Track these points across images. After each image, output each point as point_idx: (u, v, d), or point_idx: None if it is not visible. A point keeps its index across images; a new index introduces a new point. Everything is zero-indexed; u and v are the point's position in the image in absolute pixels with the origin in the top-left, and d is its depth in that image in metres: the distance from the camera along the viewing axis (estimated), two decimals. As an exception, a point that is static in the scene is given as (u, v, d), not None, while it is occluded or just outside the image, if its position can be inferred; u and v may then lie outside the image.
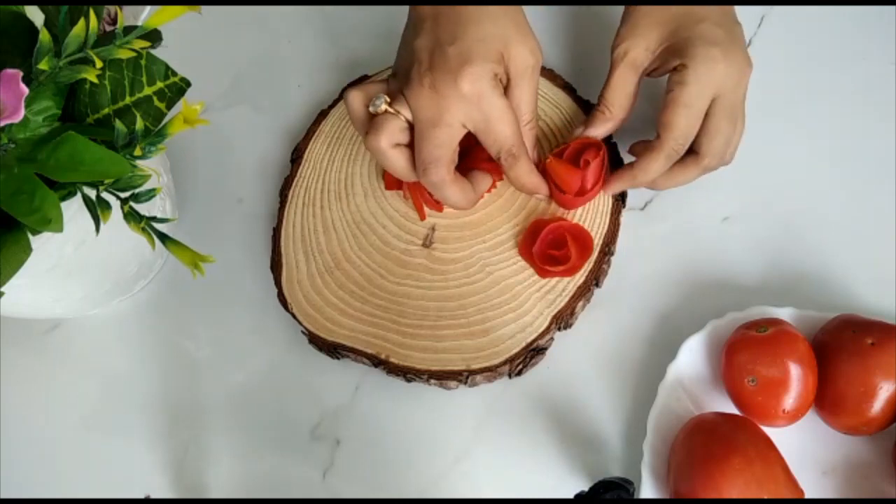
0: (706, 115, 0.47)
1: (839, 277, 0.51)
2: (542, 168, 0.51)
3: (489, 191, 0.52)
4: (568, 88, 0.57)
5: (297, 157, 0.57)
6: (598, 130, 0.50)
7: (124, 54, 0.38)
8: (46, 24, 0.40)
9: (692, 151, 0.48)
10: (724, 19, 0.47)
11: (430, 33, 0.45)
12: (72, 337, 0.55)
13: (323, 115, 0.58)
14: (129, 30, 0.39)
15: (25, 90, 0.35)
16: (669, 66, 0.48)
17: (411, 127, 0.45)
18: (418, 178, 0.46)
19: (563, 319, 0.49)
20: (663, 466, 0.45)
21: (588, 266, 0.50)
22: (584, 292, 0.49)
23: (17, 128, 0.38)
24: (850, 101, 0.56)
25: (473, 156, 0.51)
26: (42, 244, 0.40)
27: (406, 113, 0.44)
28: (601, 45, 0.52)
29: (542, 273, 0.49)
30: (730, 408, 0.45)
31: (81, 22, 0.37)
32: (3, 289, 0.36)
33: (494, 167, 0.51)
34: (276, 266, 0.53)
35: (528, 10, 0.57)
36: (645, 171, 0.48)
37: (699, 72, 0.45)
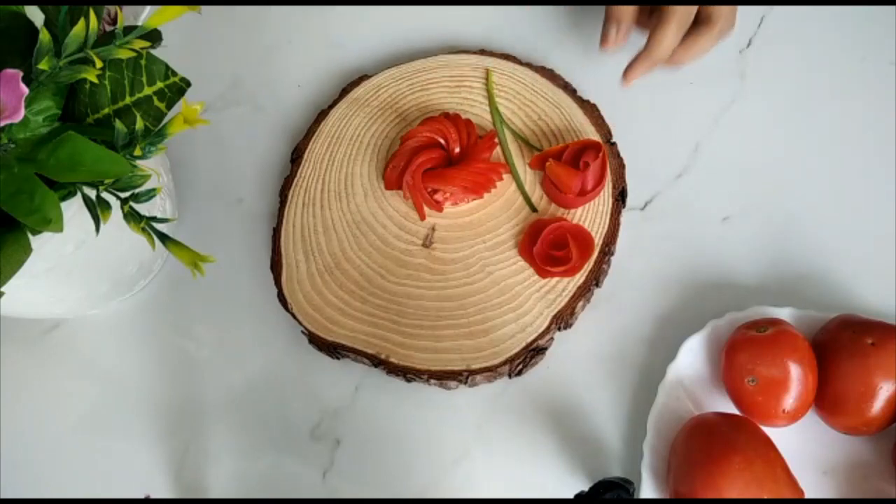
0: None
1: (839, 277, 0.51)
2: (542, 168, 0.51)
3: (488, 191, 0.52)
4: (568, 88, 0.57)
5: (297, 157, 0.57)
6: (619, 38, 0.51)
7: (124, 54, 0.38)
8: (46, 24, 0.39)
9: (699, 21, 0.50)
10: None
11: None
12: (72, 337, 0.55)
13: (323, 115, 0.58)
14: (129, 30, 0.39)
15: (25, 90, 0.35)
16: None
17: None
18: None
19: (563, 319, 0.49)
20: (663, 466, 0.45)
21: (588, 266, 0.50)
22: (584, 292, 0.49)
23: (17, 128, 0.38)
24: (850, 101, 0.56)
25: (471, 160, 0.51)
26: (42, 244, 0.40)
27: None
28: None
29: (543, 273, 0.49)
30: (730, 408, 0.45)
31: (81, 22, 0.37)
32: (3, 289, 0.36)
33: (482, 180, 0.51)
34: (276, 266, 0.53)
35: (528, 10, 0.57)
36: (659, 42, 0.49)
37: None
